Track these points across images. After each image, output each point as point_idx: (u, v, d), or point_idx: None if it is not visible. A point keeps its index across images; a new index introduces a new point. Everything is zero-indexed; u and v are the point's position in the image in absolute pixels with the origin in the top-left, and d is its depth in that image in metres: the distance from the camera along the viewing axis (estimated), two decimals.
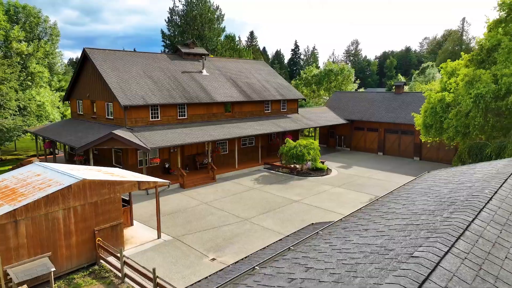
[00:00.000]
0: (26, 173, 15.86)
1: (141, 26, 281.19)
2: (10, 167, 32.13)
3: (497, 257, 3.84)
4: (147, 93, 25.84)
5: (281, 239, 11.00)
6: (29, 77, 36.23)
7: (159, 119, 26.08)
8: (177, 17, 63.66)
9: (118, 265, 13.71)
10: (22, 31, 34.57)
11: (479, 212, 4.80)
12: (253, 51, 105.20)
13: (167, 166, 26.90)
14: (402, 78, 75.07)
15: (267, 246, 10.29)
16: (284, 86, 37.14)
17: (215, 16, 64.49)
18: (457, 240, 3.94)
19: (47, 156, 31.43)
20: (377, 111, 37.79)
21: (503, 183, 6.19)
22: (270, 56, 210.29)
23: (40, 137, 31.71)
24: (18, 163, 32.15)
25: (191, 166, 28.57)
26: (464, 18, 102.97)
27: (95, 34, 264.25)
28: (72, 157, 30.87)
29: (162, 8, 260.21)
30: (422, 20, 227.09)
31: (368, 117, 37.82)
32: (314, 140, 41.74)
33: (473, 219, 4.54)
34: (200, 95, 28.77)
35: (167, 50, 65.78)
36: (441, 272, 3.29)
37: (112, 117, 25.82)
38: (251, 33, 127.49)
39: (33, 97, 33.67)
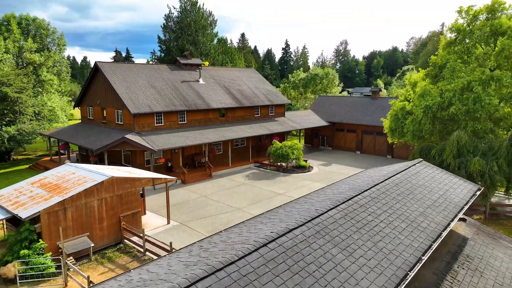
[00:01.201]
0: (62, 172, 19.77)
1: (132, 22, 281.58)
2: (27, 166, 35.78)
3: (357, 209, 8.06)
4: (152, 101, 29.77)
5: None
6: (38, 84, 39.80)
7: (162, 124, 30.04)
8: (172, 23, 67.27)
9: (140, 242, 17.78)
10: (35, 43, 38.17)
11: (363, 192, 9.02)
12: (244, 53, 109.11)
13: (169, 165, 30.89)
14: (381, 83, 79.76)
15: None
16: (272, 92, 41.32)
17: (208, 22, 68.31)
18: (341, 204, 8.15)
19: (61, 156, 35.15)
20: (355, 114, 42.18)
21: (391, 176, 10.45)
22: (261, 55, 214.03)
23: (52, 139, 35.40)
24: (34, 162, 35.79)
25: (190, 164, 32.60)
26: (443, 23, 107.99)
27: (85, 30, 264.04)
28: (84, 158, 34.66)
29: (153, 5, 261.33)
30: (411, 20, 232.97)
31: (348, 120, 42.18)
32: (300, 140, 46.07)
33: (357, 195, 8.76)
34: (197, 102, 32.78)
35: (162, 54, 69.43)
36: (326, 215, 7.49)
37: (122, 123, 29.70)
38: (242, 35, 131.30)
39: (45, 103, 37.31)
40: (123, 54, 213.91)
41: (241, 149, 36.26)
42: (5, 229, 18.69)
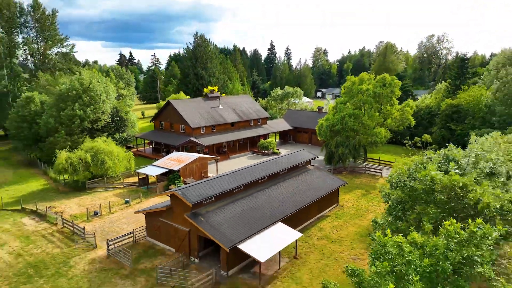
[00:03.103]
0: (176, 155, 49.30)
1: (117, 10, 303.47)
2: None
3: (270, 162, 38.26)
4: (199, 120, 59.23)
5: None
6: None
7: (204, 132, 59.58)
8: (186, 53, 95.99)
9: None
10: (124, 84, 66.49)
11: (275, 158, 39.19)
12: (236, 64, 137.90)
13: (207, 152, 60.50)
14: (329, 99, 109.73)
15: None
16: (259, 110, 71.10)
17: (214, 53, 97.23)
18: (256, 165, 38.31)
19: (145, 148, 64.32)
20: (308, 122, 72.24)
21: (287, 154, 40.69)
22: (248, 54, 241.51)
23: (140, 139, 64.44)
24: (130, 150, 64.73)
25: (217, 152, 62.22)
26: (387, 45, 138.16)
27: (69, 19, 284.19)
28: (156, 150, 63.81)
29: None
30: (385, 23, 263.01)
31: (304, 126, 72.28)
32: (276, 137, 76.03)
33: (271, 160, 38.94)
34: (220, 119, 62.37)
35: (180, 76, 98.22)
36: (262, 164, 37.70)
37: (184, 131, 59.16)
38: (234, 46, 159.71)
39: (129, 118, 66.04)
40: (127, 57, 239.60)
41: (243, 143, 66.07)
42: (157, 178, 48.05)
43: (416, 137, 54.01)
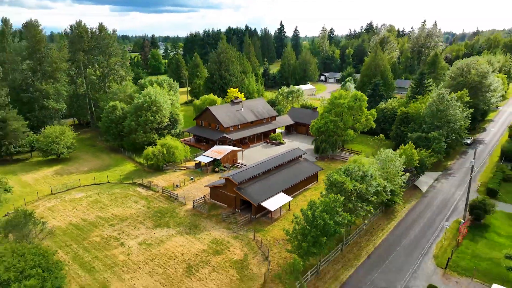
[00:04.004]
0: (217, 147, 76.90)
1: None
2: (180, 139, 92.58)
3: (277, 157, 65.68)
4: (228, 121, 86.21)
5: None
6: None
7: (232, 129, 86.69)
8: (211, 59, 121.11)
9: (240, 163, 75.34)
10: (172, 92, 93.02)
11: (282, 154, 66.53)
12: (249, 56, 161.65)
13: (235, 144, 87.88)
14: (324, 98, 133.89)
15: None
16: (270, 110, 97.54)
17: (234, 58, 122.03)
18: (269, 159, 65.74)
19: (190, 138, 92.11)
20: (306, 118, 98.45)
21: (289, 151, 68.01)
22: (259, 33, 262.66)
23: (186, 133, 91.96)
24: (180, 139, 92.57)
25: (241, 143, 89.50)
26: (379, 41, 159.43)
27: None
28: (197, 140, 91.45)
29: None
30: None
31: (303, 121, 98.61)
32: (282, 129, 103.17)
33: (281, 154, 66.30)
34: (243, 119, 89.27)
35: (208, 75, 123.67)
36: (280, 156, 65.15)
37: (219, 129, 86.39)
38: (246, 27, 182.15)
39: (180, 118, 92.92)
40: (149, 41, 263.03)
41: (259, 136, 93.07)
42: (207, 164, 75.78)
43: (375, 136, 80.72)
